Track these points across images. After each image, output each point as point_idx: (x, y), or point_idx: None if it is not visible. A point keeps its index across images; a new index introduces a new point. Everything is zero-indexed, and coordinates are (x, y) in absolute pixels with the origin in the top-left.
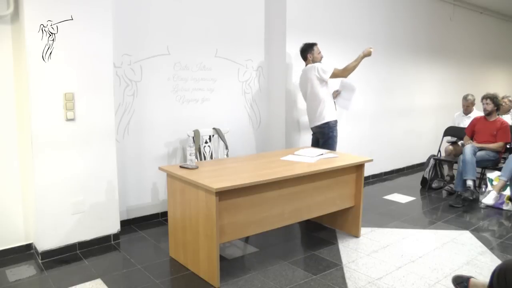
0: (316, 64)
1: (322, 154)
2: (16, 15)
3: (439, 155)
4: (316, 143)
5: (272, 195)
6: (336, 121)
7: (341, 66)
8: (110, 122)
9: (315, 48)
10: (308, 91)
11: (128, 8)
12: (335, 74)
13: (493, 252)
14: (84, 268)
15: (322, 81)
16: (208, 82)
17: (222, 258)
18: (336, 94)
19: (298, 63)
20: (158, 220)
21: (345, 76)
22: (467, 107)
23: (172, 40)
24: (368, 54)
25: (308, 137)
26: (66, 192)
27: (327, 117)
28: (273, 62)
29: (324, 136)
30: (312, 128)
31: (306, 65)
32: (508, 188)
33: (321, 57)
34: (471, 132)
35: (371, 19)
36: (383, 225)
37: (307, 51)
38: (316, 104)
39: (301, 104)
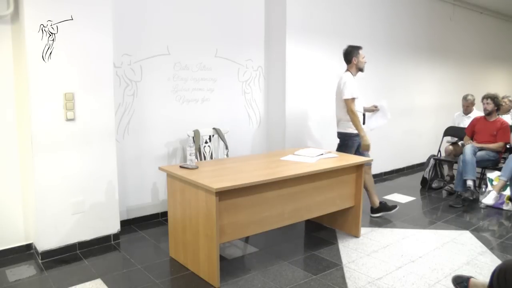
0: (344, 82)
1: (322, 154)
2: (16, 15)
3: (439, 155)
4: (357, 149)
5: (272, 195)
6: (356, 134)
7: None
8: (110, 122)
9: (360, 52)
10: (336, 97)
11: (128, 8)
12: (345, 102)
13: (493, 252)
14: (84, 268)
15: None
16: (208, 82)
17: (222, 258)
18: (373, 110)
19: (298, 63)
20: (158, 220)
21: (347, 113)
22: (467, 107)
23: (172, 40)
24: (365, 145)
25: (308, 137)
26: (66, 192)
27: (348, 129)
28: (273, 62)
29: (341, 142)
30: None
31: (347, 69)
32: (508, 188)
33: (365, 62)
34: (471, 132)
35: (371, 19)
36: (383, 225)
37: (352, 54)
38: (341, 112)
39: (302, 104)
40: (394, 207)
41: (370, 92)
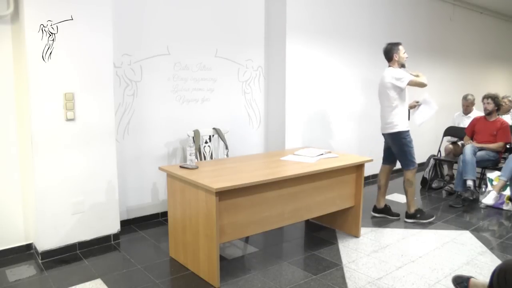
0: (393, 74)
1: (322, 154)
2: (16, 15)
3: (439, 155)
4: (387, 149)
5: (272, 195)
6: (407, 131)
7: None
8: (110, 122)
9: (400, 47)
10: (381, 96)
11: (128, 8)
12: (412, 83)
13: (493, 252)
14: (84, 268)
15: (398, 88)
16: (208, 82)
17: (222, 258)
18: (415, 105)
19: (298, 62)
20: (158, 220)
21: (425, 86)
22: (467, 107)
23: (172, 40)
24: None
25: (308, 137)
26: (66, 192)
27: (398, 127)
28: (273, 62)
29: (395, 143)
30: (383, 134)
31: (389, 66)
32: (508, 188)
33: (406, 57)
34: (471, 132)
35: (371, 19)
36: (383, 225)
37: (392, 51)
38: (388, 111)
39: (302, 104)
40: (397, 215)
41: (371, 92)
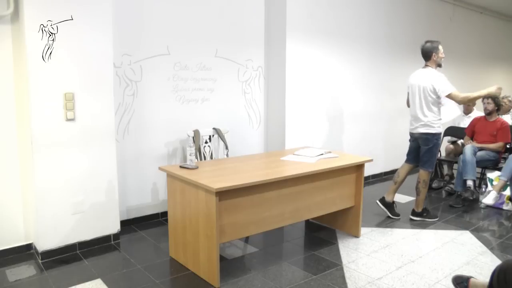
0: (436, 79)
1: (322, 154)
2: (16, 15)
3: (439, 155)
4: (415, 149)
5: (272, 195)
6: (441, 133)
7: (459, 91)
8: (110, 122)
9: (440, 47)
10: (418, 97)
11: (128, 8)
12: (451, 97)
13: (493, 252)
14: (84, 268)
15: (437, 95)
16: (208, 82)
17: (222, 258)
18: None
19: (298, 62)
20: (158, 220)
21: (459, 103)
22: (467, 107)
23: (172, 40)
24: (494, 95)
25: (308, 137)
26: (66, 192)
27: (435, 129)
28: (273, 62)
29: (428, 143)
30: (414, 134)
31: (426, 65)
32: (508, 188)
33: (442, 57)
34: (471, 132)
35: (371, 19)
36: (383, 225)
37: (432, 50)
38: (425, 112)
39: (302, 104)
40: (397, 215)
41: (370, 92)
